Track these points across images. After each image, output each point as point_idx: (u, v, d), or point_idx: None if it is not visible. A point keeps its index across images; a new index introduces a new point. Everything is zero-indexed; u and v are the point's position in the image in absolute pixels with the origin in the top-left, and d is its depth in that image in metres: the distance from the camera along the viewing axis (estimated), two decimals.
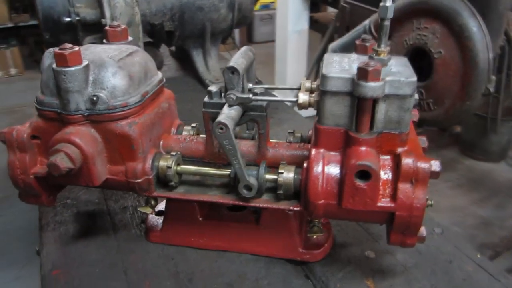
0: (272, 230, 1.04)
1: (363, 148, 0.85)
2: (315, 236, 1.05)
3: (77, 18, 1.69)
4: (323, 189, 0.87)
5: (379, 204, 0.85)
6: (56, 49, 0.88)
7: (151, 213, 1.06)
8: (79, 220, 1.21)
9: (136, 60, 0.99)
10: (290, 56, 4.00)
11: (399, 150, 0.87)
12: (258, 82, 2.30)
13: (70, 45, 0.89)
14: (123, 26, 1.08)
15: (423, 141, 0.93)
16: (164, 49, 2.57)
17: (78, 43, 1.84)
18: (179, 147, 1.05)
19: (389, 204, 0.84)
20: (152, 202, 1.05)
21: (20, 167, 0.98)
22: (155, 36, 1.93)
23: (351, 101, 0.84)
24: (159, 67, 2.13)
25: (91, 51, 0.96)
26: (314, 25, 4.38)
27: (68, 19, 1.70)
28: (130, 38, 1.10)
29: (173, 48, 2.50)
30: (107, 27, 1.07)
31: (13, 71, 5.16)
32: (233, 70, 0.91)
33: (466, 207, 2.82)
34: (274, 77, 4.28)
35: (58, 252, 1.10)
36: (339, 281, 1.00)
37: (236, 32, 6.09)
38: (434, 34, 1.60)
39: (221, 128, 0.87)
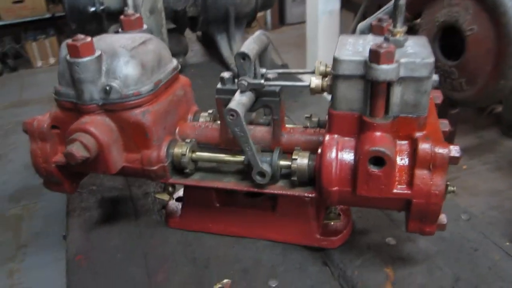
0: (289, 217, 1.03)
1: (377, 133, 0.82)
2: (332, 223, 1.03)
3: (102, 7, 1.72)
4: (336, 175, 0.85)
5: (395, 190, 0.82)
6: (69, 41, 0.89)
7: (169, 200, 1.07)
8: (103, 206, 1.25)
9: (149, 49, 0.99)
10: (321, 38, 3.91)
11: (417, 134, 0.83)
12: (284, 66, 2.27)
13: (82, 36, 0.90)
14: (137, 15, 1.08)
15: (444, 124, 0.89)
16: (191, 35, 2.57)
17: (104, 32, 1.87)
18: (194, 134, 1.05)
19: (405, 191, 0.81)
20: (170, 189, 1.07)
21: (41, 156, 1.01)
22: (178, 22, 1.93)
23: (364, 84, 0.81)
24: (184, 53, 2.14)
25: (104, 41, 0.97)
26: (347, 4, 4.26)
27: (93, 8, 1.73)
28: (145, 26, 1.10)
29: (199, 33, 2.50)
30: (121, 16, 1.08)
31: (52, 60, 5.34)
32: (244, 56, 0.90)
33: (505, 191, 2.69)
34: (305, 59, 4.21)
35: (82, 237, 1.14)
36: (357, 268, 0.98)
37: (268, 13, 6.03)
38: (466, 10, 1.51)
39: (232, 115, 0.86)
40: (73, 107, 0.95)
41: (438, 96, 0.98)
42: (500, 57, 1.41)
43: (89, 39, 0.89)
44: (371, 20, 2.05)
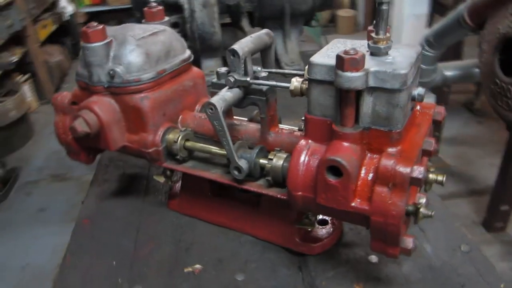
0: (271, 216, 1.04)
1: (344, 143, 0.79)
2: (309, 229, 1.01)
3: None
4: (301, 180, 0.84)
5: (353, 204, 0.78)
6: (84, 27, 0.99)
7: (164, 182, 1.14)
8: (121, 180, 1.36)
9: (159, 39, 1.06)
10: (404, 42, 3.71)
11: (388, 150, 0.78)
12: None
13: (95, 24, 0.99)
14: (159, 7, 1.16)
15: (428, 143, 0.82)
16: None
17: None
18: (194, 124, 1.10)
19: (363, 207, 0.78)
20: (167, 172, 1.13)
21: (62, 128, 1.14)
22: (232, 16, 1.99)
23: (336, 91, 0.79)
24: None
25: (121, 30, 1.06)
26: (440, 9, 3.97)
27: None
28: (166, 18, 1.18)
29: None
30: (145, 8, 1.16)
31: None
32: (233, 52, 0.92)
33: None
34: None
35: (94, 205, 1.26)
36: (327, 279, 0.96)
37: (360, 14, 5.85)
38: None
39: (211, 109, 0.90)
40: (86, 86, 1.05)
41: (439, 113, 0.91)
42: None
43: (100, 27, 0.99)
44: (435, 28, 1.92)
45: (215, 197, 1.12)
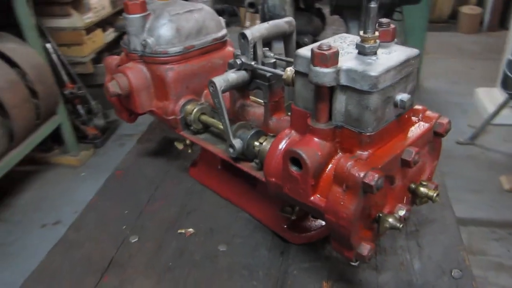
0: (264, 198, 1.07)
1: (315, 138, 0.79)
2: (294, 217, 1.02)
3: None
4: (275, 167, 0.86)
5: (312, 198, 0.79)
6: (127, 0, 1.11)
7: (183, 149, 1.23)
8: (161, 142, 1.50)
9: (193, 17, 1.14)
10: None
11: (358, 152, 0.77)
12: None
13: None
14: None
15: (408, 153, 0.78)
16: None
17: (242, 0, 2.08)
18: None
19: (320, 203, 0.78)
20: (187, 141, 1.22)
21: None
22: (305, 2, 1.98)
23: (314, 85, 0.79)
24: (313, 34, 2.19)
25: (163, 5, 1.16)
26: None
27: None
28: None
29: None
30: None
31: (258, 22, 5.99)
32: (243, 36, 0.96)
33: None
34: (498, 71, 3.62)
35: (131, 160, 1.42)
36: (300, 269, 0.97)
37: (487, 12, 5.28)
38: None
39: (212, 87, 0.96)
40: (126, 53, 1.18)
41: (441, 124, 0.85)
42: None
43: (139, 1, 1.10)
44: None
45: (223, 171, 1.19)
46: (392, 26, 0.81)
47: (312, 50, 0.72)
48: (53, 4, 3.40)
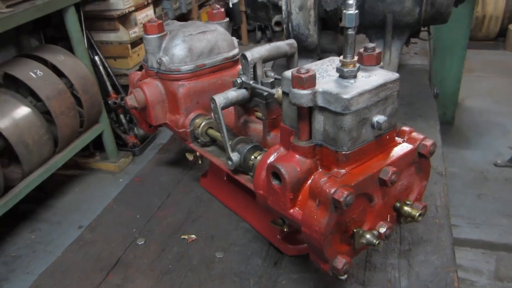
0: (262, 209, 1.12)
1: (296, 155, 0.84)
2: (285, 229, 1.06)
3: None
4: (262, 181, 0.92)
5: (291, 211, 0.84)
6: (147, 22, 1.22)
7: (191, 159, 1.31)
8: (179, 153, 1.59)
9: (206, 37, 1.22)
10: None
11: (335, 169, 0.81)
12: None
13: (155, 19, 1.21)
14: (220, 10, 1.32)
15: (385, 172, 0.81)
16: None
17: (270, 19, 2.17)
18: None
19: (297, 216, 0.82)
20: (196, 153, 1.30)
21: None
22: (330, 21, 2.03)
23: None
24: (338, 52, 2.22)
25: (180, 26, 1.26)
26: None
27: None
28: (226, 19, 1.33)
29: None
30: (209, 10, 1.33)
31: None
32: (244, 57, 1.03)
33: None
34: None
35: (150, 168, 1.52)
36: (288, 280, 1.02)
37: None
38: None
39: (213, 103, 1.03)
40: (146, 70, 1.29)
41: (425, 146, 0.87)
42: None
43: (157, 22, 1.20)
44: None
45: (229, 182, 1.26)
46: (377, 51, 0.86)
47: (292, 73, 0.78)
48: (102, 20, 3.65)
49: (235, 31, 6.11)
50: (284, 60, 1.17)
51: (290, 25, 1.96)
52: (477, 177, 3.13)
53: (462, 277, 2.34)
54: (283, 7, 1.95)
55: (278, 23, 2.09)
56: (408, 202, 0.90)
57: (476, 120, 3.85)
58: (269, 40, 6.15)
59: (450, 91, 3.55)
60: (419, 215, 0.88)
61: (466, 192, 2.95)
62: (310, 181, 0.83)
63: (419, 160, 0.90)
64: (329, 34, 2.17)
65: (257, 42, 6.14)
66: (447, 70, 3.46)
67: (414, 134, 0.90)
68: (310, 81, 0.77)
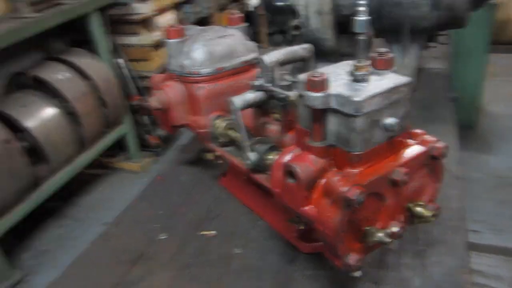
0: (279, 208, 1.16)
1: (310, 155, 0.88)
2: (302, 227, 1.10)
3: (284, 3, 2.03)
4: (279, 179, 0.96)
5: (305, 208, 0.87)
6: (169, 27, 1.27)
7: (212, 159, 1.36)
8: (200, 152, 1.64)
9: (225, 42, 1.27)
10: None
11: (348, 169, 0.84)
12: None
13: (176, 25, 1.26)
14: (239, 15, 1.37)
15: (396, 173, 0.84)
16: None
17: (286, 22, 2.20)
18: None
19: (311, 213, 0.86)
20: (216, 152, 1.35)
21: None
22: (347, 26, 2.05)
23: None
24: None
25: (201, 31, 1.31)
26: None
27: (279, 3, 2.07)
28: (244, 24, 1.38)
29: None
30: (229, 16, 1.38)
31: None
32: (261, 61, 1.07)
33: None
34: None
35: (171, 167, 1.58)
36: (303, 276, 1.05)
37: None
38: None
39: (231, 105, 1.08)
40: (168, 72, 1.35)
41: (436, 148, 0.90)
42: None
43: (178, 27, 1.25)
44: None
45: (248, 181, 1.30)
46: (390, 55, 0.89)
47: (307, 77, 0.82)
48: (125, 23, 3.75)
49: (255, 34, 6.18)
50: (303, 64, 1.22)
51: (308, 29, 2.00)
52: (500, 183, 3.09)
53: (482, 283, 2.32)
54: (301, 12, 1.98)
55: (297, 27, 2.12)
56: (421, 203, 0.92)
57: (499, 125, 3.80)
58: (290, 43, 6.19)
59: (471, 96, 3.51)
60: (432, 215, 0.91)
61: (488, 198, 2.92)
62: (323, 180, 0.87)
63: (432, 162, 0.93)
64: (348, 38, 2.19)
65: (278, 45, 6.20)
66: (468, 75, 3.43)
67: (427, 136, 0.92)
68: (323, 85, 0.81)
